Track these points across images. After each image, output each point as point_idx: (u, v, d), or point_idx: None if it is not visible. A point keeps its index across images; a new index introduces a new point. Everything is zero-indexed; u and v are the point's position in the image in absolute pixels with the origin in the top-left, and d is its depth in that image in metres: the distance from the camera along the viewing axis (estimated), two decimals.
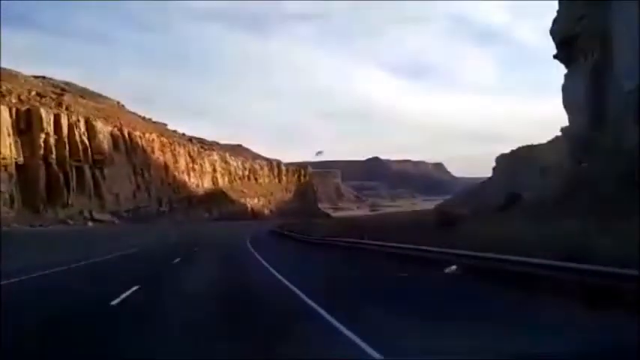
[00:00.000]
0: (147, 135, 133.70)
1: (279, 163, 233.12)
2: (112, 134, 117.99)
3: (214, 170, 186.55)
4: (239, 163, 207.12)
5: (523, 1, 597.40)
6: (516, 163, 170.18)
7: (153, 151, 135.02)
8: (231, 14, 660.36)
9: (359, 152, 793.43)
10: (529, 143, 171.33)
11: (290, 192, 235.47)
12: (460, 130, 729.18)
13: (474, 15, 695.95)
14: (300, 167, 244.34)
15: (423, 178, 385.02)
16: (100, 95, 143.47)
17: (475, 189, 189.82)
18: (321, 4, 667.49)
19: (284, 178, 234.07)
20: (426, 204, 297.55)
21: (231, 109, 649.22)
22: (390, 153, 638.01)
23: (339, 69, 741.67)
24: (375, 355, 5.68)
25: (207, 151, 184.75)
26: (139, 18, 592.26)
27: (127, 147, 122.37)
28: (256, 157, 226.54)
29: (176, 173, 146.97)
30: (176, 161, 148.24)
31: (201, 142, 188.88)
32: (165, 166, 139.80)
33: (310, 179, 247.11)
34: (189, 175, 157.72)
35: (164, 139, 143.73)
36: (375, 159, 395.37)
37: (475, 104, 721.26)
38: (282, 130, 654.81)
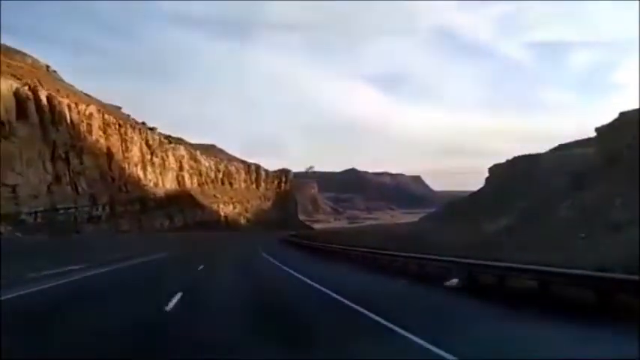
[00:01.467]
0: (81, 107, 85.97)
1: (257, 166, 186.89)
2: (17, 94, 69.71)
3: (180, 168, 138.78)
4: (211, 163, 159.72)
5: (506, 16, 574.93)
6: (516, 172, 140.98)
7: (90, 131, 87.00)
8: (213, 22, 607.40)
9: (336, 163, 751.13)
10: (511, 156, 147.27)
11: (269, 200, 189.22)
12: (438, 144, 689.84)
13: (457, 29, 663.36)
14: (281, 173, 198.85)
15: (401, 190, 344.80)
16: (19, 52, 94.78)
17: (462, 201, 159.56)
18: (303, 15, 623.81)
19: (263, 184, 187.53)
20: (408, 217, 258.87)
21: (206, 113, 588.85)
22: (367, 165, 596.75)
23: (318, 79, 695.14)
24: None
25: (172, 145, 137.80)
26: (117, 22, 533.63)
27: (42, 116, 74.15)
28: (232, 159, 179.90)
29: (125, 165, 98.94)
30: (127, 149, 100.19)
31: (166, 137, 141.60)
32: (109, 153, 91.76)
33: (292, 187, 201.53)
34: (145, 169, 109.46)
35: (110, 117, 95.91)
36: (352, 171, 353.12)
37: (453, 118, 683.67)
38: (259, 137, 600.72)
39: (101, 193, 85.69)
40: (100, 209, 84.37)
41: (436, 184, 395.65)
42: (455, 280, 11.73)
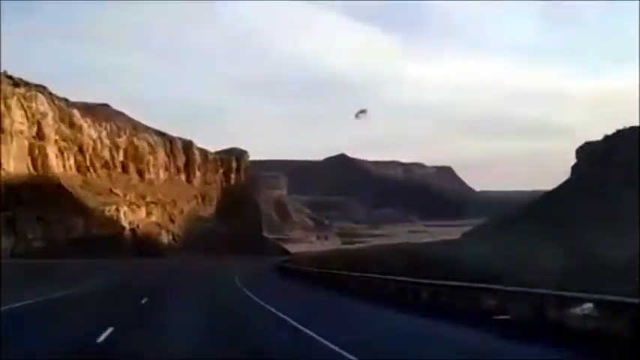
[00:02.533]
0: None
1: (188, 143, 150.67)
2: None
3: (39, 135, 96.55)
4: (104, 132, 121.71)
5: None
6: (629, 152, 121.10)
7: None
8: None
9: (315, 147, 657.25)
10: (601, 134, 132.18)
11: (211, 202, 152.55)
12: (475, 117, 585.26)
13: None
14: (230, 155, 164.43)
15: (422, 190, 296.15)
16: None
17: (536, 205, 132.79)
18: None
19: (198, 173, 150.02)
20: (439, 231, 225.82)
21: (98, 67, 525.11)
22: (364, 150, 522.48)
23: (288, 15, 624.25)
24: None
25: (22, 90, 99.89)
26: None
27: None
28: (142, 129, 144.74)
29: None
30: None
31: (9, 77, 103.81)
32: None
33: (249, 177, 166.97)
34: None
35: None
36: (341, 158, 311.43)
37: (500, 76, 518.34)
38: (191, 104, 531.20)
39: None
40: None
41: (476, 181, 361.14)
42: None
